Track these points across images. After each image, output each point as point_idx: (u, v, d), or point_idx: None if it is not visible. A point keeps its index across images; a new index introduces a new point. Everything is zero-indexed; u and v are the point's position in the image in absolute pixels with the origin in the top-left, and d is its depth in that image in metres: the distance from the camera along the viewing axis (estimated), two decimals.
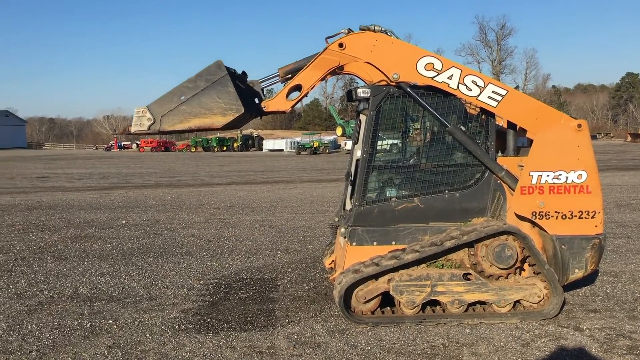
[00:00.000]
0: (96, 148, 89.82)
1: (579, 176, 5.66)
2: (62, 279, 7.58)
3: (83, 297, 6.74)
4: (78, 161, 45.45)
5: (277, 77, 6.20)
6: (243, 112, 5.69)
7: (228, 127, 5.87)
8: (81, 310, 6.25)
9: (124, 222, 12.44)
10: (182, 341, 5.31)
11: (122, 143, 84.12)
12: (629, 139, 62.08)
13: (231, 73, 5.79)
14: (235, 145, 66.44)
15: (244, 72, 6.13)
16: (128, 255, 9.04)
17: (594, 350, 5.03)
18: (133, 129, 5.83)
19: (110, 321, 5.88)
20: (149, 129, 5.75)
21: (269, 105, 6.00)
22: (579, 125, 5.68)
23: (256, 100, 6.11)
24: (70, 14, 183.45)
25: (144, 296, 6.77)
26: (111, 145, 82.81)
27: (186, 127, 5.79)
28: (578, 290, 6.77)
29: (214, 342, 5.29)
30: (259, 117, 6.37)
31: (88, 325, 5.76)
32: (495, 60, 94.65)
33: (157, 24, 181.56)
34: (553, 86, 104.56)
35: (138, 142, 78.22)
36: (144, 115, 5.75)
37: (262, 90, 6.22)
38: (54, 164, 40.63)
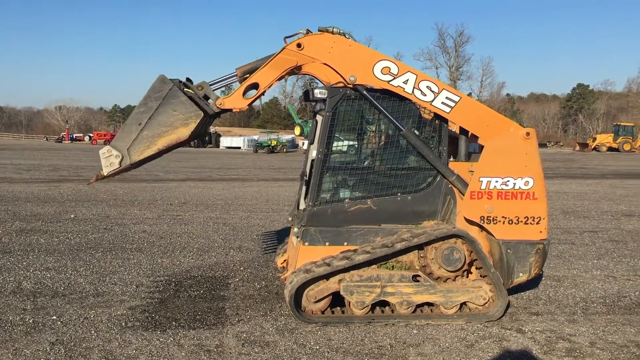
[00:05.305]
0: (47, 139, 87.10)
1: (526, 183, 5.84)
2: (4, 272, 7.33)
3: (26, 292, 6.54)
4: (27, 152, 43.99)
5: (235, 77, 6.18)
6: (203, 115, 5.68)
7: (194, 136, 5.83)
8: (24, 306, 6.06)
9: (72, 216, 12.12)
10: (129, 339, 5.22)
11: (74, 135, 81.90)
12: (578, 148, 64.18)
13: (176, 83, 5.76)
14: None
15: (188, 79, 6.10)
16: (75, 250, 8.82)
17: (534, 351, 5.20)
18: (105, 172, 5.73)
19: (54, 317, 5.73)
20: (120, 165, 5.67)
21: (224, 102, 5.96)
22: (527, 134, 5.86)
23: (210, 101, 6.07)
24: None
25: (90, 292, 6.62)
26: (62, 136, 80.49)
27: (155, 150, 5.71)
28: (522, 293, 6.98)
29: (161, 340, 5.23)
30: (218, 117, 6.34)
31: (30, 321, 5.60)
32: (452, 66, 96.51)
33: (110, 14, 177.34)
34: (507, 94, 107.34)
35: (91, 135, 76.34)
36: (110, 154, 5.67)
37: (213, 90, 6.16)
38: (1, 154, 39.17)
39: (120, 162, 5.67)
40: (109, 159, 5.67)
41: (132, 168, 5.96)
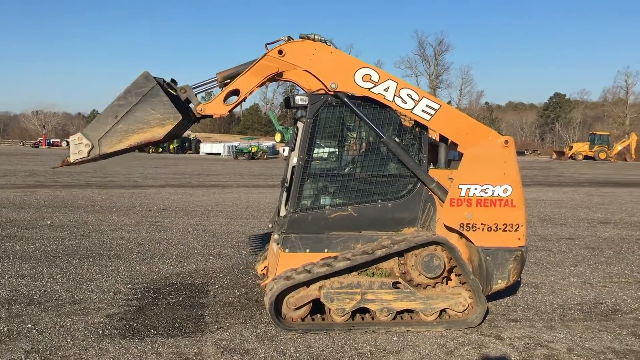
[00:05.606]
0: (23, 144, 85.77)
1: (505, 190, 5.90)
2: None
3: (1, 300, 6.41)
4: (2, 157, 43.27)
5: (215, 82, 6.15)
6: (181, 119, 5.63)
7: (169, 137, 5.79)
8: None
9: (49, 222, 11.94)
10: (106, 347, 5.15)
11: (51, 140, 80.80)
12: (554, 156, 65.12)
13: (160, 82, 5.71)
14: (171, 147, 64.90)
15: (172, 80, 6.06)
16: (52, 256, 8.68)
17: (513, 358, 5.24)
18: (72, 159, 5.62)
19: (30, 325, 5.63)
20: (88, 155, 5.57)
21: (205, 108, 5.94)
22: (506, 142, 5.92)
23: (191, 105, 6.03)
24: None
25: (66, 300, 6.52)
26: (39, 141, 79.33)
27: (127, 145, 5.64)
28: (500, 300, 7.03)
29: (138, 348, 5.16)
30: (197, 121, 6.31)
31: (5, 329, 5.49)
32: (432, 74, 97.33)
33: (91, 19, 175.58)
34: (486, 103, 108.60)
35: (68, 140, 75.33)
36: (80, 142, 5.57)
37: (195, 94, 6.12)
38: None
39: (89, 152, 5.58)
40: (79, 147, 5.58)
41: (100, 159, 5.86)
